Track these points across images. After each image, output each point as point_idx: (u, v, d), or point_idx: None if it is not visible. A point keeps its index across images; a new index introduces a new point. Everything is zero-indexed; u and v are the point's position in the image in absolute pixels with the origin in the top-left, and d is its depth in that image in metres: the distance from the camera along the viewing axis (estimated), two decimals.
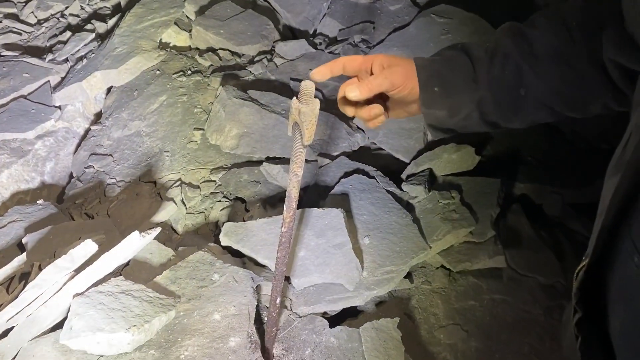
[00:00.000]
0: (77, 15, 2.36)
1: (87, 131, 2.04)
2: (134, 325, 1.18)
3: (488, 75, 0.89)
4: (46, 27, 2.32)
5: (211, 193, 1.75)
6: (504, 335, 1.42)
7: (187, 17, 2.26)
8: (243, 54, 2.15)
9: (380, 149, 1.85)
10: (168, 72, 2.08)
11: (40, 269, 1.29)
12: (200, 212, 1.71)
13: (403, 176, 1.71)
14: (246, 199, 1.71)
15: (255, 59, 2.13)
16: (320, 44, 2.23)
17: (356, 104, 0.91)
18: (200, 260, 1.40)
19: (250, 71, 2.08)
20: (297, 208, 0.96)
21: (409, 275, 1.51)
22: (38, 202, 1.67)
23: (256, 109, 1.84)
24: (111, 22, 2.30)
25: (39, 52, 2.22)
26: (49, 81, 2.06)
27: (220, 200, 1.72)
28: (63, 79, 2.09)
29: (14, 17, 2.35)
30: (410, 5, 2.28)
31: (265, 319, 1.33)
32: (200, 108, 1.97)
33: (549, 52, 0.86)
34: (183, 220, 1.70)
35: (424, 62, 0.92)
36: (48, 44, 2.25)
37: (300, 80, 1.98)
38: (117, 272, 1.37)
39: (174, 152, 1.86)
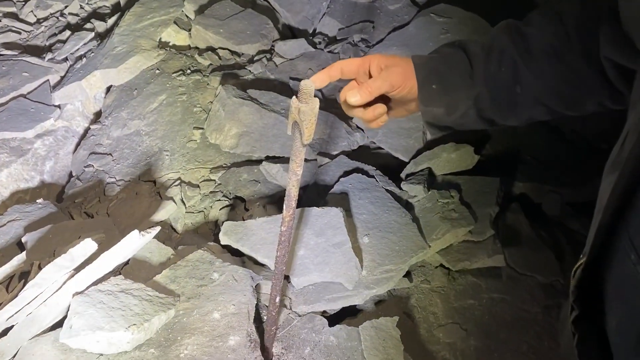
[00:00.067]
0: (77, 15, 2.36)
1: (87, 130, 2.04)
2: (134, 324, 1.18)
3: (484, 72, 0.89)
4: (45, 26, 2.32)
5: (211, 192, 1.75)
6: (502, 334, 1.42)
7: (187, 16, 2.26)
8: (242, 53, 2.15)
9: (380, 148, 1.85)
10: (167, 71, 2.08)
11: (40, 267, 1.29)
12: (199, 211, 1.71)
13: (402, 175, 1.72)
14: (246, 198, 1.71)
15: (255, 58, 2.13)
16: (320, 43, 2.23)
17: (360, 105, 0.92)
18: (200, 259, 1.40)
19: (249, 70, 2.08)
20: (297, 207, 0.96)
21: (408, 274, 1.51)
22: (38, 201, 1.67)
23: (256, 108, 1.84)
24: (111, 21, 2.30)
25: (38, 51, 2.22)
26: (48, 80, 2.06)
27: (219, 200, 1.72)
28: (62, 78, 2.09)
29: (14, 16, 2.34)
30: (410, 5, 2.28)
31: (265, 317, 1.33)
32: (199, 107, 1.97)
33: (545, 50, 0.86)
34: (182, 219, 1.70)
35: (422, 60, 0.92)
36: (47, 43, 2.25)
37: (299, 80, 1.98)
38: (117, 271, 1.37)
39: (173, 151, 1.86)
